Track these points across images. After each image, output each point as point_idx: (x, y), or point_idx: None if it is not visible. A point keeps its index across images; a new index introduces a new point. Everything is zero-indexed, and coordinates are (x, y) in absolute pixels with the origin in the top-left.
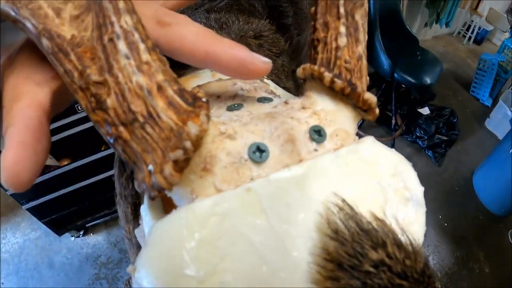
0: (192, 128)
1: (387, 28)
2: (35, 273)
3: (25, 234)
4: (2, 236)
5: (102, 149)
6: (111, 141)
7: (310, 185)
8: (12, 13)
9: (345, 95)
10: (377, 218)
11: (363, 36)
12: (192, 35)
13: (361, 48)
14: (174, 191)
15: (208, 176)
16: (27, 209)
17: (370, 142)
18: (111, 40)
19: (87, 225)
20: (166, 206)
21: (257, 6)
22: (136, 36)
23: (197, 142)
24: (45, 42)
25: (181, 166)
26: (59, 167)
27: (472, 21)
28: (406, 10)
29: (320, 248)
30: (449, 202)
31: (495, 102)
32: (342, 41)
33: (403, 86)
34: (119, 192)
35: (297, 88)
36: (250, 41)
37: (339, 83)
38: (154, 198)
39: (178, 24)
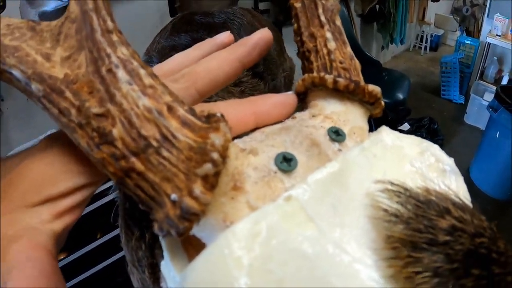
0: (216, 139)
1: None
2: None
3: None
4: None
5: (98, 237)
6: (121, 178)
7: (348, 180)
8: None
9: (350, 92)
10: (427, 190)
11: (346, 39)
12: (232, 110)
13: (350, 49)
14: (203, 224)
15: (240, 196)
16: None
17: (387, 131)
18: (109, 70)
19: None
20: (191, 255)
21: None
22: (135, 63)
23: (224, 153)
24: (36, 86)
25: (211, 182)
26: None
27: (423, 31)
28: (360, 38)
29: (385, 238)
30: None
31: (467, 97)
32: (332, 45)
33: None
34: (130, 259)
35: None
36: (231, 89)
37: (341, 81)
38: (184, 233)
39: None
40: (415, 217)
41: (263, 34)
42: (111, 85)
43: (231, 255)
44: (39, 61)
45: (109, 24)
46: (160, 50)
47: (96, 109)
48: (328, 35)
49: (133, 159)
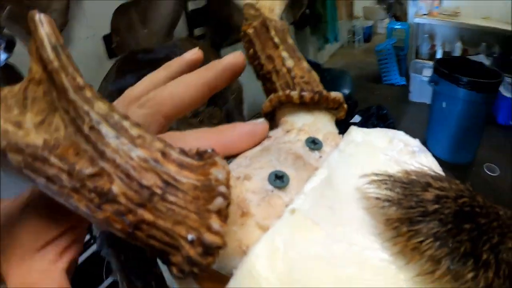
0: (219, 173)
1: None
2: None
3: None
4: None
5: None
6: (132, 232)
7: (336, 181)
8: None
9: (316, 103)
10: (406, 171)
11: (300, 54)
12: (201, 141)
13: (306, 63)
14: (220, 255)
15: (249, 220)
16: None
17: (356, 130)
18: (92, 128)
19: None
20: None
21: None
22: (116, 116)
23: (228, 185)
24: (14, 157)
25: (225, 214)
26: None
27: (354, 25)
28: (296, 45)
29: (384, 222)
30: None
31: (407, 78)
32: (289, 63)
33: None
34: None
35: None
36: (190, 121)
37: (306, 94)
38: (207, 267)
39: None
40: (404, 197)
41: (234, 59)
42: (98, 142)
43: (260, 276)
44: (11, 130)
45: (79, 80)
46: (108, 96)
47: (89, 170)
48: (284, 54)
49: (141, 211)
